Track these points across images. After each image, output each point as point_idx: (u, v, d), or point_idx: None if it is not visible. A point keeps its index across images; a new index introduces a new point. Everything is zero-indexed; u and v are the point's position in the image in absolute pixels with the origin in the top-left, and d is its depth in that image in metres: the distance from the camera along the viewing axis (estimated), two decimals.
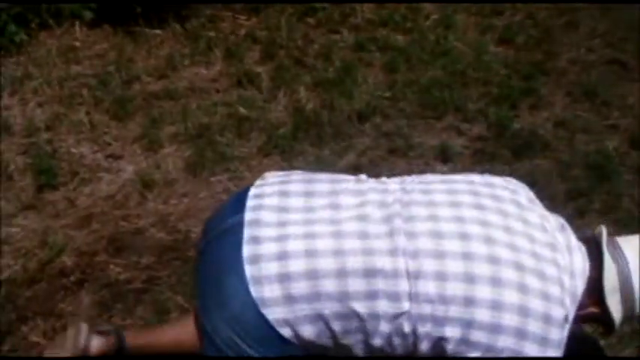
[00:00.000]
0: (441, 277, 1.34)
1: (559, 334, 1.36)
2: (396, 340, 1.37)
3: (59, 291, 2.46)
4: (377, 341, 1.38)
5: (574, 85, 3.45)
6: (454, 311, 1.33)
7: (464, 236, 1.37)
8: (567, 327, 1.39)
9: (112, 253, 2.61)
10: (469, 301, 1.33)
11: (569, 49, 3.70)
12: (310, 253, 1.37)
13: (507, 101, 3.35)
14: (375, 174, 2.88)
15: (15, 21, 3.76)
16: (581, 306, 1.43)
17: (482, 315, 1.32)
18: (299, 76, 3.55)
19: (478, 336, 1.33)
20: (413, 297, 1.35)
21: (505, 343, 1.32)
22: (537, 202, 1.55)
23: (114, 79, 3.51)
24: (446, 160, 3.04)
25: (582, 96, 3.38)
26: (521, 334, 1.33)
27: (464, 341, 1.34)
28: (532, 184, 2.79)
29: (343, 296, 1.35)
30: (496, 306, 1.33)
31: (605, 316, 1.47)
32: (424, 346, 1.38)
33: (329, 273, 1.36)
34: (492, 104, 3.33)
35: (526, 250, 1.38)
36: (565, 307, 1.36)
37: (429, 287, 1.34)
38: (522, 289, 1.34)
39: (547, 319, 1.35)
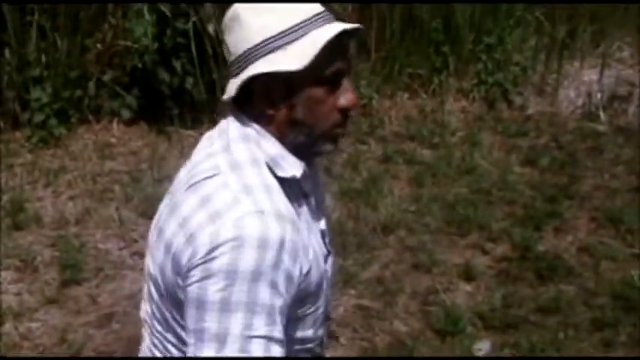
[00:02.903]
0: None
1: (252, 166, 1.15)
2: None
3: None
4: None
5: (598, 211, 3.47)
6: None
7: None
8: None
9: (131, 356, 2.59)
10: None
11: (593, 174, 3.75)
12: None
13: (532, 223, 3.36)
14: (398, 288, 2.95)
15: (56, 115, 3.92)
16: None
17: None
18: (326, 184, 3.61)
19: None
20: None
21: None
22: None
23: (146, 177, 3.61)
24: (470, 279, 3.03)
25: (607, 222, 3.39)
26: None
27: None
28: (556, 310, 2.82)
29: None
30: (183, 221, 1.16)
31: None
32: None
33: None
34: (517, 225, 3.35)
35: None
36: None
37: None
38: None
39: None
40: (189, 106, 4.09)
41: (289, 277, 1.13)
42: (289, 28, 1.17)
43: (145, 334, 1.38)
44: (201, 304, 1.11)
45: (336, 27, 1.17)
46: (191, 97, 4.08)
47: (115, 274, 2.99)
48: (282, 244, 1.11)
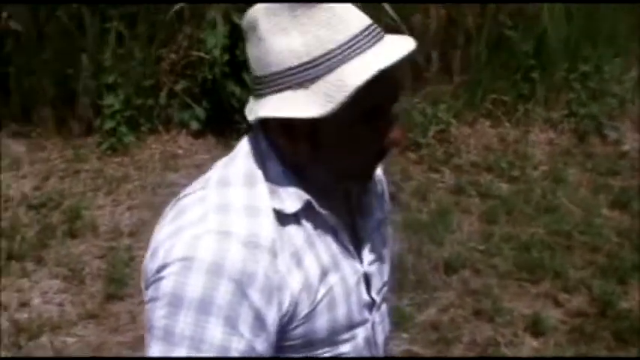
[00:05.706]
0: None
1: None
2: None
3: None
4: None
5: None
6: None
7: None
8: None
9: None
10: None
11: None
12: None
13: (615, 274, 3.03)
14: (455, 337, 2.71)
15: (127, 123, 3.92)
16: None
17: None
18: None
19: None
20: None
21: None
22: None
23: None
24: (537, 334, 2.74)
25: None
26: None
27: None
28: None
29: None
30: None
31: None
32: None
33: None
34: (598, 276, 3.03)
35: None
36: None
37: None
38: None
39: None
40: None
41: (259, 318, 0.94)
42: (315, 59, 0.96)
43: None
44: (150, 327, 0.97)
45: (377, 59, 0.94)
46: None
47: None
48: (245, 275, 0.94)
